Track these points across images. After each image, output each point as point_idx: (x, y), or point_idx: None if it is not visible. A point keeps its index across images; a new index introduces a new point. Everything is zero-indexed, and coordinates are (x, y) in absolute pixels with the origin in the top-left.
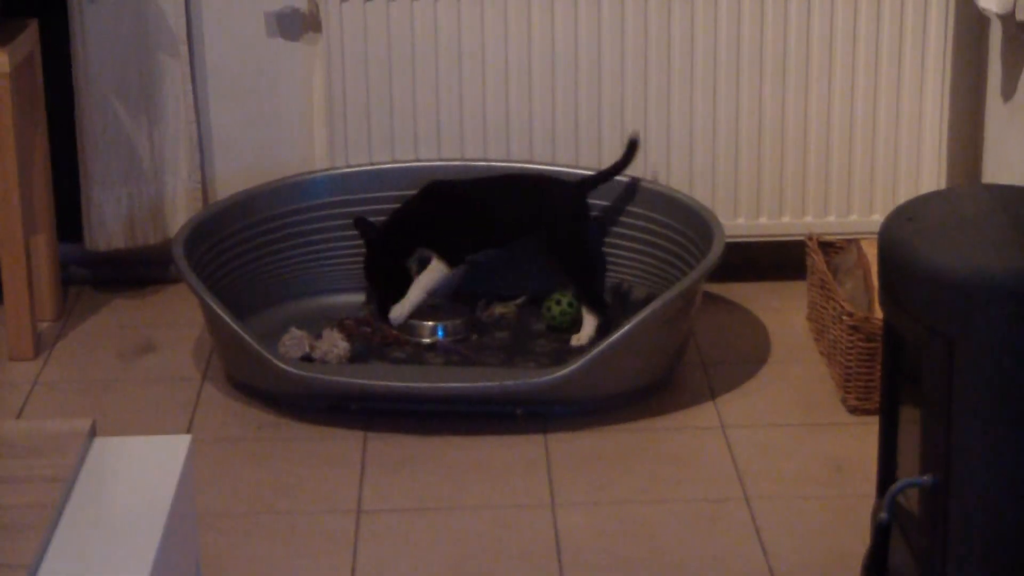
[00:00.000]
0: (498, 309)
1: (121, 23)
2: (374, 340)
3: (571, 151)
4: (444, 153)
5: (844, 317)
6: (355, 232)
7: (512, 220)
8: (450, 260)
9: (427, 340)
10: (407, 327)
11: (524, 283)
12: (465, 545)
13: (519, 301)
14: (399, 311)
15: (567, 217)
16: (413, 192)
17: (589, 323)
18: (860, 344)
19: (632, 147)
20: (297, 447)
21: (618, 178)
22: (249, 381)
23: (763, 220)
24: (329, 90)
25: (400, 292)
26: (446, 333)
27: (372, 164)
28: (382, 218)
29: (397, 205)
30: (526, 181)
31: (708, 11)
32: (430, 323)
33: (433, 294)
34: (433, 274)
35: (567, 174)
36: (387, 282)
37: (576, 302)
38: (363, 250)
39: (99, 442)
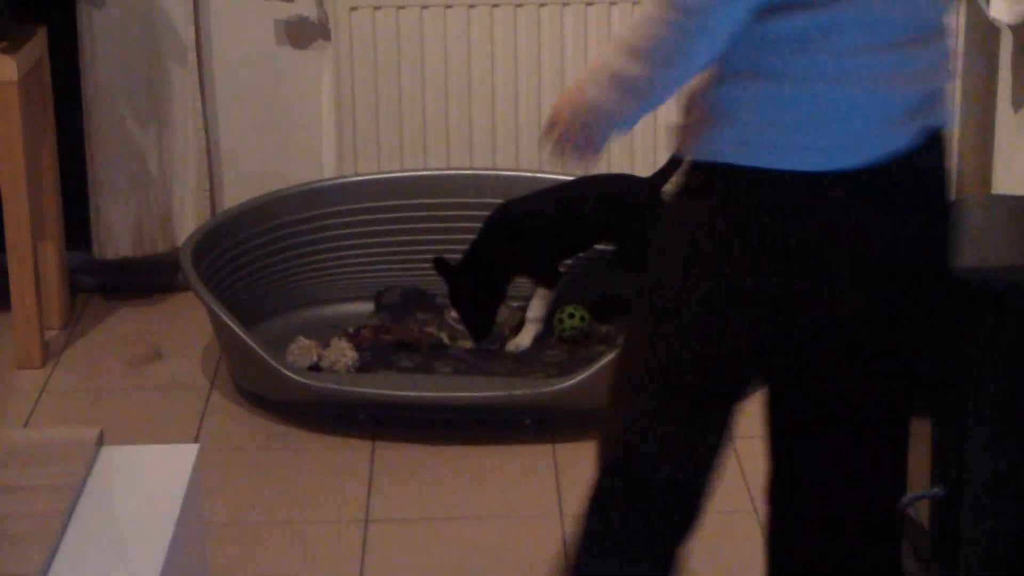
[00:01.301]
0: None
1: (130, 31)
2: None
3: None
4: (453, 162)
5: None
6: (362, 240)
7: (593, 224)
8: (550, 283)
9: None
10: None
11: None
12: (473, 555)
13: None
14: (525, 341)
15: (644, 213)
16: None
17: None
18: None
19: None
20: (305, 456)
21: None
22: (257, 390)
23: None
24: (338, 99)
25: (495, 309)
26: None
27: (381, 172)
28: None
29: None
30: (599, 183)
31: None
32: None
33: (545, 318)
34: (541, 302)
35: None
36: (483, 307)
37: (588, 315)
38: (372, 259)
39: (106, 451)
